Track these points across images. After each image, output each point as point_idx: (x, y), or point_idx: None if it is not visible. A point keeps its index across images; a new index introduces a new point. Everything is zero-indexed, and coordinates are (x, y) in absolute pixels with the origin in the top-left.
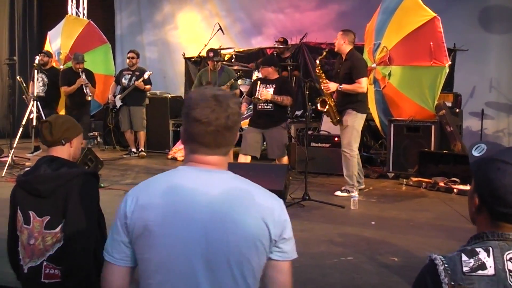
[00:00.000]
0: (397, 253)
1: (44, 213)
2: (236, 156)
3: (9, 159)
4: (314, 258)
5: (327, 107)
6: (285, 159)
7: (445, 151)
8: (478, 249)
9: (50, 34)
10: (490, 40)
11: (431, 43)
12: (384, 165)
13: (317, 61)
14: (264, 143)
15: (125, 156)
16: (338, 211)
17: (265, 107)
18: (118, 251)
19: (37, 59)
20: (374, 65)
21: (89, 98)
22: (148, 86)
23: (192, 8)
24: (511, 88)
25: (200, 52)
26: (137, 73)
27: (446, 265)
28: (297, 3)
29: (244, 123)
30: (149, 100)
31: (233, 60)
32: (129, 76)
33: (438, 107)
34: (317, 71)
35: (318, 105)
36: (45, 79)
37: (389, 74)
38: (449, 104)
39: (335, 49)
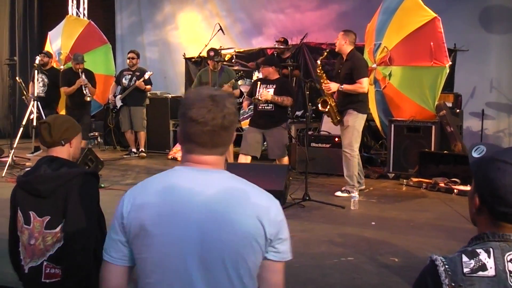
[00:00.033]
0: (397, 254)
1: (44, 213)
2: (236, 156)
3: (9, 159)
4: (315, 259)
5: (328, 107)
6: (285, 160)
7: (445, 152)
8: (478, 250)
9: (50, 34)
10: (490, 40)
11: (432, 44)
12: (385, 165)
13: (318, 61)
14: (265, 143)
15: (125, 156)
16: (338, 211)
17: (265, 107)
18: (116, 251)
19: (38, 59)
20: (374, 65)
21: (88, 99)
22: (148, 86)
23: (193, 8)
24: (511, 88)
25: (200, 53)
26: (138, 73)
27: (446, 266)
28: (298, 3)
29: (245, 123)
30: (149, 100)
31: (233, 61)
32: (130, 76)
33: (438, 107)
34: (318, 71)
35: (319, 105)
36: (45, 80)
37: (390, 75)
38: (449, 104)
39: (336, 50)
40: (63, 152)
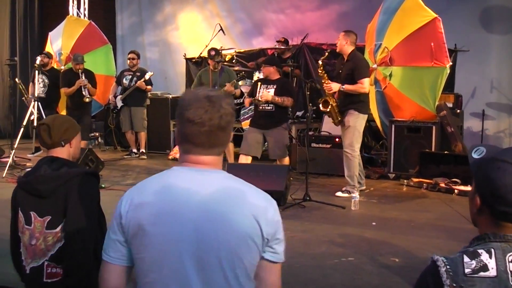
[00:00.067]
0: (398, 254)
1: (45, 213)
2: (237, 156)
3: (10, 160)
4: (315, 259)
5: (329, 107)
6: (286, 160)
7: (446, 152)
8: (480, 251)
9: (51, 34)
10: (491, 41)
11: (432, 44)
12: (385, 165)
13: (320, 62)
14: (265, 143)
15: (126, 156)
16: (339, 211)
17: (266, 107)
18: (115, 250)
19: (38, 59)
20: (375, 65)
21: (87, 100)
22: (149, 87)
23: (193, 9)
24: None
25: (201, 53)
26: (138, 74)
27: (448, 267)
28: (298, 3)
29: (245, 124)
30: (150, 101)
31: (234, 61)
32: (130, 76)
33: (439, 107)
34: (320, 71)
35: (320, 105)
36: (46, 80)
37: (390, 75)
38: (450, 104)
39: (337, 50)
40: (63, 152)
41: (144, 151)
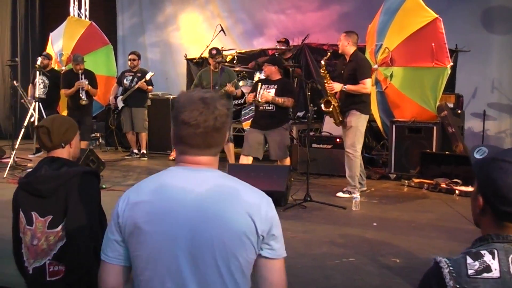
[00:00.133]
0: (399, 254)
1: (46, 213)
2: (237, 157)
3: (10, 160)
4: (316, 259)
5: (331, 107)
6: (287, 161)
7: (447, 152)
8: (483, 252)
9: (52, 35)
10: (492, 41)
11: (433, 44)
12: (386, 166)
13: (322, 62)
14: (266, 144)
15: (127, 157)
16: (339, 212)
17: (266, 107)
18: (112, 250)
19: (39, 60)
20: (376, 66)
21: (83, 103)
22: (150, 87)
23: (194, 9)
24: None
25: (202, 53)
26: (139, 75)
27: (451, 268)
28: (299, 4)
29: (246, 124)
30: (151, 101)
31: (234, 62)
32: (131, 77)
33: (440, 108)
34: (322, 71)
35: (322, 105)
36: (46, 81)
37: (391, 75)
38: (451, 105)
39: (339, 51)
40: (63, 152)
41: (145, 151)
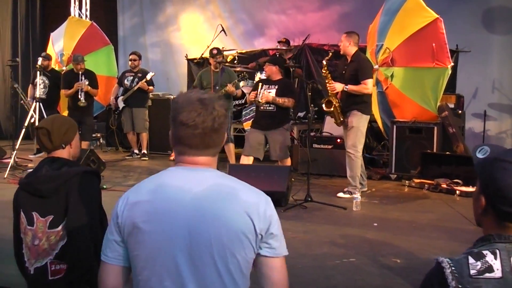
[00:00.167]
0: (400, 255)
1: (47, 213)
2: (238, 157)
3: (11, 161)
4: (317, 260)
5: (332, 107)
6: (287, 161)
7: (447, 153)
8: (485, 252)
9: (52, 35)
10: (492, 41)
11: (434, 45)
12: (387, 166)
13: (324, 62)
14: (267, 144)
15: (127, 157)
16: (340, 212)
17: (267, 108)
18: (112, 250)
19: (40, 60)
20: (376, 66)
21: (81, 105)
22: (150, 87)
23: (195, 10)
24: None
25: (202, 54)
26: (140, 75)
27: (453, 268)
28: (300, 4)
29: (247, 125)
30: (151, 102)
31: (235, 62)
32: (132, 77)
33: (440, 108)
34: (324, 71)
35: (324, 105)
36: (46, 81)
37: (392, 76)
38: (451, 105)
39: (341, 52)
40: (63, 153)
41: (146, 152)
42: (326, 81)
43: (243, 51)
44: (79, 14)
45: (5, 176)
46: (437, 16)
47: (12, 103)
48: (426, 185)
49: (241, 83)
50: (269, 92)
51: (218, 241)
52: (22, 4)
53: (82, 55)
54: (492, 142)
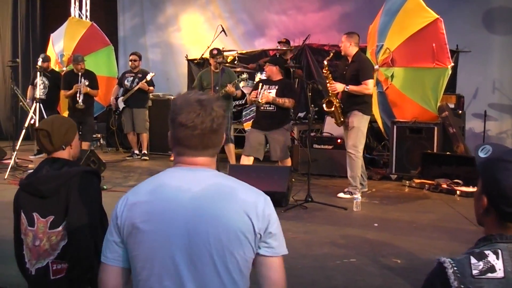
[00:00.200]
0: (400, 255)
1: (48, 213)
2: (238, 157)
3: (11, 161)
4: (317, 260)
5: (333, 108)
6: (288, 161)
7: (448, 153)
8: (486, 252)
9: (53, 36)
10: (493, 41)
11: (434, 45)
12: (387, 166)
13: (325, 62)
14: (267, 145)
15: (128, 158)
16: (341, 213)
17: (267, 108)
18: (111, 251)
19: (40, 61)
20: (376, 66)
21: (79, 107)
22: (151, 88)
23: (195, 10)
24: None
25: (203, 54)
26: (140, 75)
27: (455, 268)
28: (300, 4)
29: (247, 125)
30: (152, 102)
31: (235, 62)
32: (132, 78)
33: (440, 108)
34: (324, 71)
35: (324, 105)
36: (46, 82)
37: (392, 76)
38: (451, 105)
39: (342, 53)
40: (63, 153)
41: (146, 152)
42: (327, 81)
43: (243, 52)
44: (79, 15)
45: (6, 177)
46: (437, 16)
47: (13, 104)
48: (426, 185)
49: (242, 83)
50: (269, 93)
51: (217, 241)
52: (22, 4)
53: (81, 55)
54: (493, 142)
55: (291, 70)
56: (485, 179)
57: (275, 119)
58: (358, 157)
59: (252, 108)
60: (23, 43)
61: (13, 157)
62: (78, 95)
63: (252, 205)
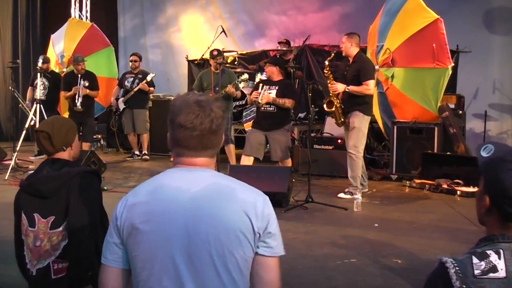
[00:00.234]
0: (400, 255)
1: (48, 214)
2: (238, 158)
3: (12, 162)
4: (318, 261)
5: (333, 108)
6: (288, 162)
7: (448, 153)
8: (488, 252)
9: (53, 37)
10: (493, 42)
11: (434, 45)
12: (387, 167)
13: (326, 62)
14: (267, 145)
15: (128, 159)
16: (341, 213)
17: (267, 108)
18: (111, 252)
19: (40, 62)
20: (377, 67)
21: (77, 110)
22: (151, 88)
23: (195, 11)
24: None
25: (203, 55)
26: (140, 76)
27: (457, 268)
28: (300, 5)
29: (248, 125)
30: (152, 103)
31: (236, 63)
32: (132, 79)
33: (441, 108)
34: (326, 71)
35: (325, 105)
36: (46, 83)
37: (392, 76)
38: (452, 105)
39: (343, 54)
40: (64, 154)
41: (146, 153)
42: (328, 82)
43: (244, 52)
44: (80, 16)
45: (6, 178)
46: (437, 16)
47: (13, 105)
48: (427, 185)
49: (241, 84)
50: (270, 93)
51: (216, 240)
52: (22, 5)
53: (81, 55)
54: (495, 141)
55: (291, 71)
56: (487, 179)
57: (275, 119)
58: (358, 157)
59: (252, 109)
60: (23, 43)
61: (13, 158)
62: (76, 97)
63: (252, 205)
